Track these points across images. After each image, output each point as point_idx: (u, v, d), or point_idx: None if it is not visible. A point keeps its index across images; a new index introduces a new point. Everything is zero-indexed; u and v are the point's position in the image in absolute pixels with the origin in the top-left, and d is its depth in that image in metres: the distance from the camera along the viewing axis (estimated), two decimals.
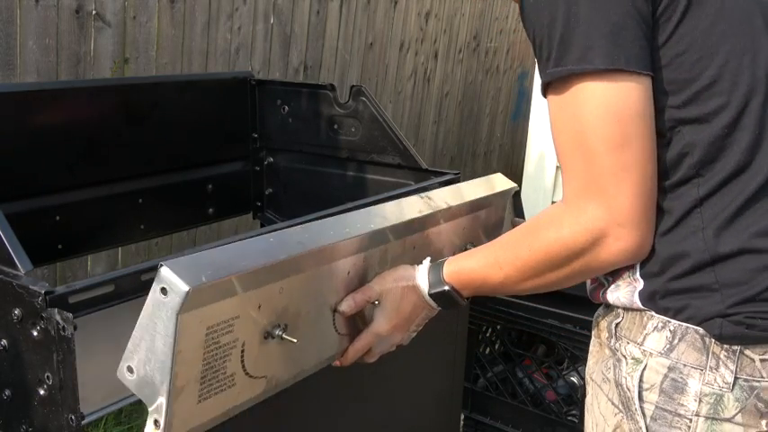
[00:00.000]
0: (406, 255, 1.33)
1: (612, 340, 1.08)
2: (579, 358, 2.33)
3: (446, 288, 1.16)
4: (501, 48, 5.68)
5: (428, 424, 1.95)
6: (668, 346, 1.01)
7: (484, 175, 1.70)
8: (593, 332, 1.19)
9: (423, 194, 1.42)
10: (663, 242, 1.00)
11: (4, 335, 1.07)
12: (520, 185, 3.68)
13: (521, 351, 2.40)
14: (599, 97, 0.94)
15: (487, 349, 2.50)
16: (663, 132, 0.99)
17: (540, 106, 3.71)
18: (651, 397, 1.02)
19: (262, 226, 2.24)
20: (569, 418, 2.36)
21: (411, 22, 4.44)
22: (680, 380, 1.00)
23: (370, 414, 1.51)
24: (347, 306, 1.18)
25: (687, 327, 0.99)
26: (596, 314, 1.16)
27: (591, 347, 1.20)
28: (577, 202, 0.99)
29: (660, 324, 1.02)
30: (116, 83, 2.13)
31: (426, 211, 1.37)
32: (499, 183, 1.71)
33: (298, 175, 2.15)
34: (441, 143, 5.08)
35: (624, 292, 1.05)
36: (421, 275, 1.20)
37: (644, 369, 1.03)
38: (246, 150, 2.17)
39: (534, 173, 3.73)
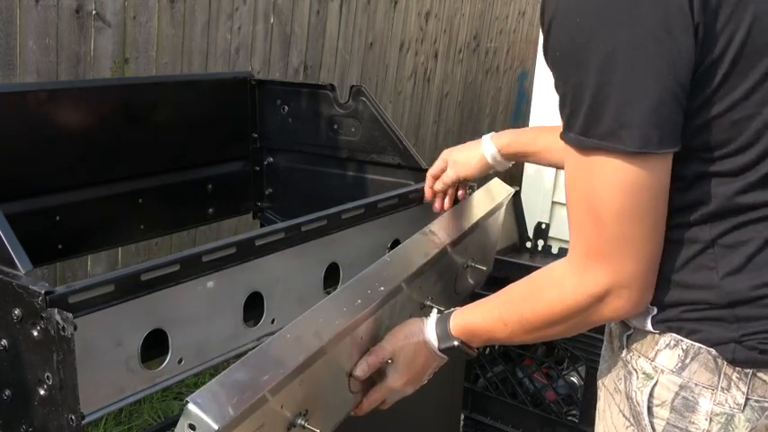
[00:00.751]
0: (413, 296, 1.33)
1: (624, 351, 1.08)
2: (579, 358, 2.33)
3: (455, 343, 1.19)
4: (501, 48, 5.68)
5: (428, 424, 1.95)
6: (680, 364, 1.00)
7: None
8: (605, 336, 1.19)
9: (426, 230, 1.42)
10: (677, 276, 0.99)
11: (4, 335, 1.07)
12: (520, 186, 3.69)
13: (521, 351, 2.40)
14: (620, 174, 0.91)
15: (487, 349, 2.50)
16: (685, 178, 0.96)
17: (540, 106, 3.71)
18: (662, 413, 1.02)
19: (262, 226, 2.24)
20: (569, 418, 2.36)
21: (411, 22, 4.44)
22: (691, 398, 1.00)
23: (371, 414, 1.51)
24: (362, 371, 1.19)
25: (700, 347, 0.99)
26: None
27: (603, 351, 1.21)
28: (581, 264, 0.99)
29: (672, 342, 1.01)
30: (116, 83, 2.13)
31: (433, 253, 1.37)
32: (497, 191, 1.71)
33: (298, 175, 2.15)
34: (441, 143, 5.08)
35: (638, 318, 1.05)
36: (429, 330, 1.21)
37: (654, 385, 1.02)
38: (246, 150, 2.17)
39: (534, 173, 3.73)
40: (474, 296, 1.74)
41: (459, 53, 5.08)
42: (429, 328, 1.21)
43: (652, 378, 1.03)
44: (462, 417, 2.47)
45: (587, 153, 0.92)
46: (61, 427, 1.05)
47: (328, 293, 1.59)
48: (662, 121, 0.89)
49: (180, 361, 1.29)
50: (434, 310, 1.24)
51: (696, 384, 0.99)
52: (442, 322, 1.21)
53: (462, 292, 1.60)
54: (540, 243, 2.81)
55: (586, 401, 2.28)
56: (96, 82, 2.31)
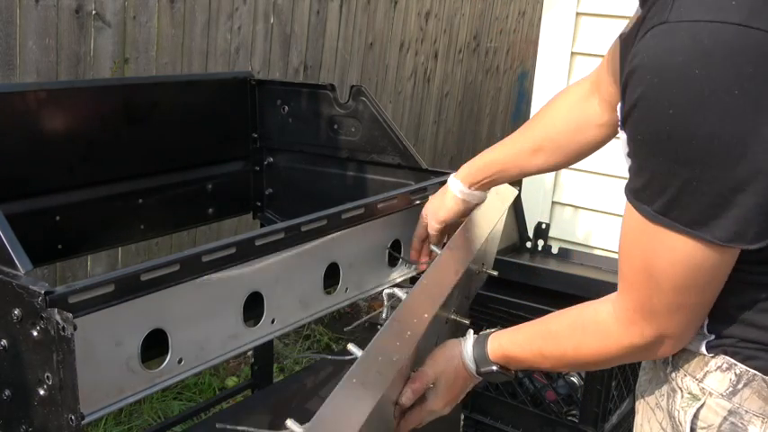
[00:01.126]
0: (443, 313, 1.34)
1: (669, 368, 1.06)
2: None
3: (494, 368, 1.20)
4: (501, 48, 5.68)
5: (428, 424, 1.95)
6: (731, 389, 0.97)
7: None
8: None
9: (452, 246, 1.44)
10: (744, 315, 0.97)
11: (4, 335, 1.07)
12: (520, 186, 3.69)
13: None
14: (691, 255, 0.89)
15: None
16: None
17: (540, 106, 3.71)
18: None
19: (262, 226, 2.24)
20: (569, 418, 2.36)
21: (411, 22, 4.44)
22: (740, 425, 0.97)
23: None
24: (407, 399, 1.18)
25: (755, 374, 0.96)
26: None
27: (644, 364, 1.19)
28: (629, 318, 0.98)
29: (725, 365, 0.98)
30: (116, 83, 2.13)
31: (462, 270, 1.38)
32: (505, 194, 1.71)
33: (298, 175, 2.14)
34: (441, 143, 5.08)
35: (692, 341, 1.02)
36: (467, 353, 1.22)
37: (701, 407, 1.00)
38: (246, 150, 2.17)
39: None
40: (475, 296, 1.74)
41: (459, 53, 5.08)
42: (467, 350, 1.22)
43: (699, 399, 1.00)
44: (462, 417, 2.47)
45: (658, 225, 0.89)
46: (61, 427, 1.05)
47: (329, 293, 1.59)
48: (765, 221, 0.85)
49: (180, 361, 1.29)
50: (470, 332, 1.25)
51: (747, 411, 0.96)
52: (479, 346, 1.21)
53: (471, 296, 1.61)
54: (540, 243, 2.82)
55: (586, 401, 2.28)
56: (96, 82, 2.31)
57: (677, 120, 0.81)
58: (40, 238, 1.71)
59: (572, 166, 3.94)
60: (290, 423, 0.97)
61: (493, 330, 1.23)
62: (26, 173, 1.67)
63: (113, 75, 2.66)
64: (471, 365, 1.21)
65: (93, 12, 2.57)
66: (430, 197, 1.64)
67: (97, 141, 1.79)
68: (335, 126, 2.00)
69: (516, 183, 3.95)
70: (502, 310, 2.26)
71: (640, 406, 1.16)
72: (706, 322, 0.99)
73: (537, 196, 3.69)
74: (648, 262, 0.92)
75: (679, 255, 0.89)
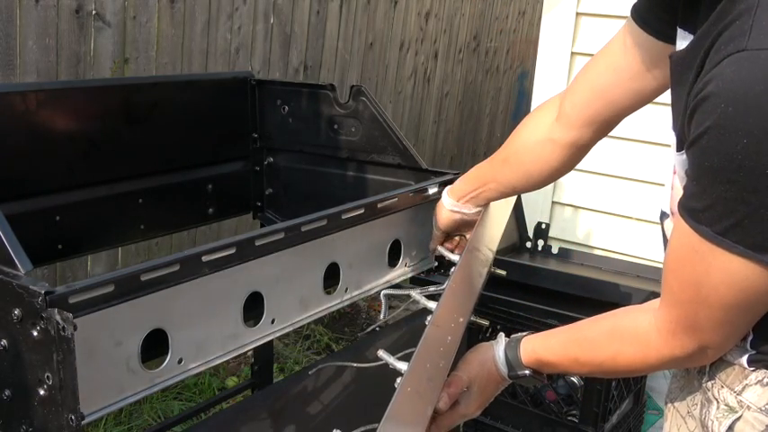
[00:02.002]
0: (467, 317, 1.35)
1: (705, 378, 1.05)
2: None
3: (527, 372, 1.20)
4: (501, 48, 5.68)
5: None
6: None
7: None
8: None
9: (471, 248, 1.49)
10: None
11: (4, 335, 1.07)
12: None
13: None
14: (746, 277, 0.88)
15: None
16: None
17: None
18: None
19: (262, 226, 2.24)
20: (569, 418, 2.36)
21: (411, 22, 4.44)
22: None
23: (371, 415, 1.51)
24: (444, 404, 1.19)
25: None
26: None
27: (676, 370, 1.19)
28: (671, 330, 0.99)
29: (766, 379, 0.98)
30: (116, 83, 2.13)
31: (485, 271, 1.44)
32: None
33: (298, 175, 2.14)
34: (441, 143, 5.08)
35: (731, 352, 1.02)
36: (499, 357, 1.23)
37: (737, 419, 0.99)
38: (246, 150, 2.17)
39: None
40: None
41: (459, 53, 5.08)
42: (499, 354, 1.23)
43: (736, 412, 0.99)
44: None
45: (716, 245, 0.88)
46: (61, 427, 1.05)
47: (329, 293, 1.59)
48: None
49: (180, 361, 1.29)
50: (501, 335, 1.25)
51: None
52: (512, 349, 1.22)
53: (480, 295, 1.62)
54: (540, 243, 2.82)
55: (586, 401, 2.28)
56: (96, 82, 2.31)
57: (750, 149, 0.81)
58: (40, 238, 1.71)
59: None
60: None
61: (525, 334, 1.23)
62: (26, 173, 1.67)
63: (113, 75, 2.66)
64: (504, 369, 1.22)
65: (93, 12, 2.57)
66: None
67: (97, 141, 1.79)
68: (335, 126, 2.00)
69: None
70: (502, 310, 2.26)
71: (669, 413, 1.15)
72: (750, 337, 0.99)
73: (537, 196, 3.69)
74: (699, 279, 0.92)
75: (735, 276, 0.88)
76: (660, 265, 1.05)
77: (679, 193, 1.03)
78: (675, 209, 1.04)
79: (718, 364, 1.03)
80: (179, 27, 2.90)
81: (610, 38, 1.27)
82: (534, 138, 1.44)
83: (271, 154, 2.18)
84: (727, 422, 1.00)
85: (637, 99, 1.26)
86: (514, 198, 1.75)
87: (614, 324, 1.10)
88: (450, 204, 1.61)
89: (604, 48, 1.28)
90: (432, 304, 1.35)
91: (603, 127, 1.35)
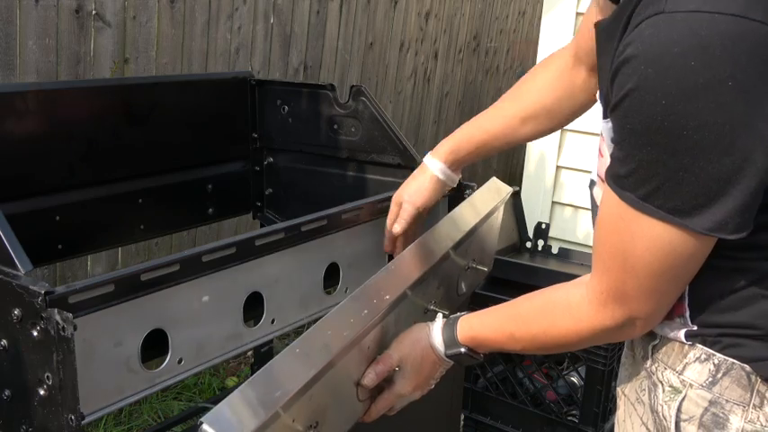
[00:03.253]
0: (417, 302, 1.33)
1: (648, 362, 1.06)
2: (579, 358, 2.32)
3: (462, 350, 1.20)
4: (501, 48, 5.68)
5: (428, 424, 1.95)
6: (711, 379, 0.98)
7: (483, 175, 1.70)
8: (626, 343, 1.18)
9: (428, 235, 1.42)
10: (726, 302, 0.97)
11: (4, 335, 1.07)
12: (520, 185, 3.69)
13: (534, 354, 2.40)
14: (669, 242, 0.89)
15: (483, 355, 2.49)
16: (757, 223, 0.91)
17: None
18: (690, 429, 1.00)
19: (262, 226, 2.24)
20: (569, 418, 2.36)
21: (411, 22, 4.44)
22: (721, 415, 0.97)
23: None
24: (369, 380, 1.18)
25: (733, 362, 0.97)
26: None
27: (624, 359, 1.19)
28: (601, 300, 0.99)
29: (703, 356, 0.99)
30: (116, 83, 2.13)
31: (436, 258, 1.37)
32: (497, 191, 1.70)
33: (298, 175, 2.15)
34: None
35: (671, 326, 1.03)
36: (436, 335, 1.22)
37: (683, 400, 1.00)
38: (246, 150, 2.17)
39: (534, 173, 3.73)
40: (474, 296, 1.74)
41: (459, 53, 5.08)
42: (435, 333, 1.22)
43: (680, 392, 1.01)
44: (462, 417, 2.47)
45: (639, 211, 0.89)
46: (61, 428, 1.05)
47: (329, 293, 1.59)
48: (747, 212, 0.85)
49: (180, 361, 1.29)
50: (439, 315, 1.25)
51: (727, 401, 0.97)
52: (449, 328, 1.21)
53: (464, 294, 1.60)
54: (540, 243, 2.82)
55: (586, 401, 2.28)
56: (96, 82, 2.31)
57: (670, 110, 0.81)
58: (40, 238, 1.71)
59: (572, 166, 3.94)
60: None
61: (463, 314, 1.23)
62: (26, 173, 1.67)
63: (113, 75, 2.66)
64: (440, 348, 1.21)
65: (93, 12, 2.57)
66: (406, 182, 1.57)
67: (97, 141, 1.79)
68: (335, 126, 2.00)
69: (516, 182, 3.95)
70: None
71: (621, 401, 1.16)
72: (688, 312, 0.99)
73: (537, 196, 3.69)
74: (625, 247, 0.92)
75: (658, 241, 0.89)
76: None
77: (607, 160, 1.04)
78: (603, 175, 1.05)
79: (660, 346, 1.04)
80: (179, 27, 2.90)
81: None
82: (564, 91, 1.41)
83: (271, 154, 2.18)
84: (675, 405, 1.00)
85: None
86: (501, 194, 1.71)
87: (547, 298, 1.10)
88: (442, 171, 1.51)
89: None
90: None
91: None
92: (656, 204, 0.87)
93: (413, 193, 1.54)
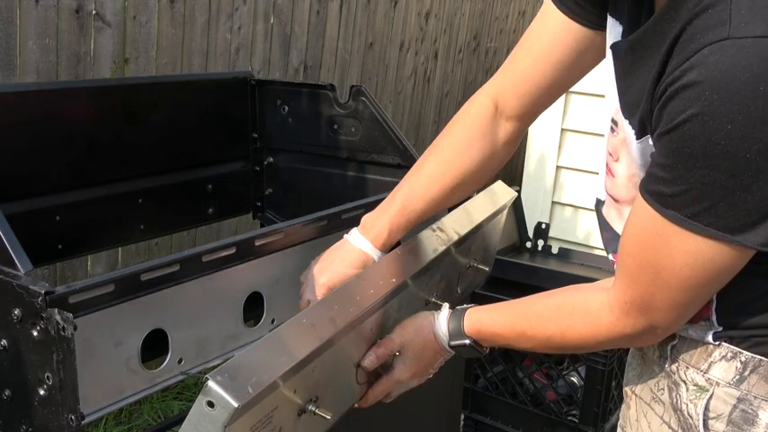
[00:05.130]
0: (418, 293, 1.34)
1: (667, 362, 1.07)
2: (579, 358, 2.33)
3: (467, 342, 1.19)
4: (501, 48, 5.68)
5: (428, 424, 1.95)
6: (738, 377, 0.99)
7: None
8: None
9: (434, 226, 1.42)
10: (757, 304, 0.98)
11: (4, 335, 1.07)
12: (520, 186, 3.69)
13: (521, 351, 2.40)
14: (709, 258, 0.90)
15: (487, 349, 2.49)
16: None
17: None
18: (718, 426, 1.00)
19: (262, 226, 2.24)
20: (569, 418, 2.36)
21: (411, 22, 4.44)
22: (750, 411, 0.98)
23: (370, 414, 1.51)
24: (370, 362, 1.19)
25: (761, 359, 0.98)
26: None
27: (630, 359, 1.19)
28: (624, 309, 1.00)
29: (729, 354, 1.00)
30: (116, 83, 2.13)
31: (441, 248, 1.38)
32: (501, 194, 1.72)
33: (298, 175, 2.15)
34: None
35: (696, 329, 1.03)
36: (441, 325, 1.22)
37: (710, 398, 1.01)
38: (246, 150, 2.17)
39: (534, 173, 3.73)
40: (474, 296, 1.74)
41: (459, 53, 5.08)
42: (440, 322, 1.22)
43: (707, 390, 1.01)
44: (462, 417, 2.47)
45: (683, 228, 0.89)
46: (61, 428, 1.05)
47: None
48: None
49: (180, 361, 1.29)
50: (445, 305, 1.25)
51: (755, 397, 0.98)
52: (455, 319, 1.21)
53: (464, 292, 1.60)
54: (540, 243, 2.82)
55: (586, 401, 2.28)
56: (96, 82, 2.31)
57: (735, 135, 0.82)
58: (40, 238, 1.71)
59: (572, 166, 3.94)
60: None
61: (471, 306, 1.22)
62: (26, 173, 1.67)
63: (113, 75, 2.66)
64: (444, 338, 1.21)
65: (93, 12, 2.57)
66: (322, 257, 1.34)
67: (97, 141, 1.80)
68: (335, 126, 2.00)
69: (516, 182, 3.95)
70: None
71: (632, 401, 1.16)
72: (714, 316, 1.00)
73: (537, 196, 3.69)
74: (660, 262, 0.93)
75: (700, 257, 0.90)
76: None
77: (622, 179, 1.05)
78: (619, 195, 1.07)
79: (680, 346, 1.05)
80: (179, 27, 2.90)
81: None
82: (489, 150, 1.31)
83: (271, 154, 2.18)
84: (702, 403, 1.01)
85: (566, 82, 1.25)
86: (504, 197, 1.70)
87: (565, 300, 1.10)
88: (369, 248, 1.31)
89: (532, 38, 1.24)
90: None
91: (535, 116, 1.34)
92: (706, 223, 0.87)
93: (333, 273, 1.31)
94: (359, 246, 1.31)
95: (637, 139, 0.98)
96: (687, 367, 1.03)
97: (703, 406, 1.01)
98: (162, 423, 2.48)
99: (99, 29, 2.60)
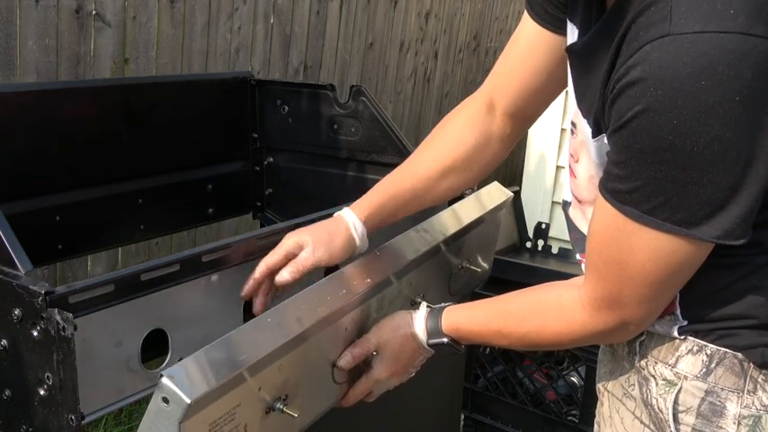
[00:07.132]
0: (402, 293, 1.33)
1: (636, 357, 1.08)
2: (579, 358, 2.33)
3: (445, 340, 1.20)
4: (501, 48, 5.67)
5: (428, 424, 1.95)
6: (705, 370, 1.00)
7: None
8: None
9: (418, 227, 1.42)
10: (720, 296, 0.99)
11: (4, 335, 1.07)
12: (520, 185, 3.69)
13: (521, 351, 2.40)
14: (672, 254, 0.91)
15: (487, 349, 2.50)
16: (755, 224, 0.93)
17: None
18: (688, 419, 1.02)
19: (262, 226, 2.24)
20: (569, 418, 2.37)
21: (411, 22, 4.44)
22: (718, 403, 0.99)
23: (371, 414, 1.51)
24: (345, 362, 1.19)
25: (725, 351, 0.99)
26: None
27: (601, 355, 1.21)
28: (595, 305, 1.01)
29: (695, 347, 1.01)
30: (116, 83, 2.13)
31: (423, 250, 1.37)
32: (495, 195, 1.70)
33: (298, 175, 2.15)
34: None
35: (662, 324, 1.04)
36: (419, 324, 1.22)
37: (678, 392, 1.02)
38: (246, 150, 2.17)
39: (534, 173, 3.73)
40: (473, 296, 1.74)
41: (459, 53, 5.08)
42: (418, 321, 1.22)
43: (675, 384, 1.02)
44: (462, 417, 2.47)
45: (642, 224, 0.90)
46: (61, 427, 1.05)
47: None
48: (750, 218, 0.88)
49: (180, 361, 1.29)
50: (423, 304, 1.25)
51: (722, 389, 0.99)
52: (433, 318, 1.21)
53: (458, 293, 1.60)
54: (540, 243, 2.82)
55: (587, 401, 2.28)
56: (96, 82, 2.31)
57: (681, 129, 0.83)
58: (40, 238, 1.71)
59: None
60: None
61: (448, 304, 1.23)
62: (26, 173, 1.67)
63: (113, 75, 2.66)
64: (422, 336, 1.21)
65: (93, 12, 2.57)
66: (310, 227, 1.30)
67: (97, 141, 1.80)
68: (335, 126, 2.00)
69: (516, 182, 3.95)
70: None
71: (604, 397, 1.17)
72: (679, 310, 1.01)
73: (537, 196, 3.69)
74: (623, 257, 0.94)
75: (660, 252, 0.91)
76: None
77: (583, 180, 1.07)
78: (581, 196, 1.09)
79: (648, 342, 1.06)
80: (179, 27, 2.90)
81: None
82: (482, 140, 1.33)
83: (271, 154, 2.18)
84: (671, 397, 1.02)
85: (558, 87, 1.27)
86: (498, 199, 1.69)
87: (539, 298, 1.11)
88: (360, 233, 1.30)
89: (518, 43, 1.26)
90: None
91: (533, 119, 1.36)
92: (662, 218, 0.88)
93: (319, 243, 1.26)
94: (351, 223, 1.29)
95: (593, 137, 0.99)
96: (656, 362, 1.05)
97: (672, 400, 1.02)
98: None
99: (99, 29, 2.60)
